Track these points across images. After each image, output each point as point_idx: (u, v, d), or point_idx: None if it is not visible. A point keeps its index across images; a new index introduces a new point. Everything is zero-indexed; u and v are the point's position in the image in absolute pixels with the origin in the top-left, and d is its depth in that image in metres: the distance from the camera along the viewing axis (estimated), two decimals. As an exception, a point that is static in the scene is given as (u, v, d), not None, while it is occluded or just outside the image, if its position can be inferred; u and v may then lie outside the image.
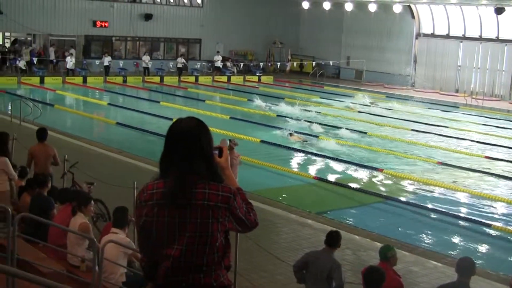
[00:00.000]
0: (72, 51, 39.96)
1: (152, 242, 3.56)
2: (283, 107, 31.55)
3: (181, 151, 3.56)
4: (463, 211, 15.92)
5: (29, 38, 42.11)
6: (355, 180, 18.57)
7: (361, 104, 34.73)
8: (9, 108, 25.22)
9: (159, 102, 32.06)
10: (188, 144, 3.56)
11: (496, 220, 15.38)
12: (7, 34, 41.49)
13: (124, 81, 39.77)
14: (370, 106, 34.45)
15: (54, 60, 40.60)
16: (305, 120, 27.17)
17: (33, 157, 12.50)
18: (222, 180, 3.64)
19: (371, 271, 7.25)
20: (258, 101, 32.46)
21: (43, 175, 10.93)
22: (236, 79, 44.25)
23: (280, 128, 25.22)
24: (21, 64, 37.48)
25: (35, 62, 38.44)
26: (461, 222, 14.92)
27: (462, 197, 17.21)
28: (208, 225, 3.51)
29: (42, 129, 13.14)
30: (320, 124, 26.81)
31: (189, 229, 3.49)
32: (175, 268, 3.51)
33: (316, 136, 24.18)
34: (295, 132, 24.38)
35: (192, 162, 3.54)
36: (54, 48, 40.85)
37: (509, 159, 22.08)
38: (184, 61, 43.47)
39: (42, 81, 36.85)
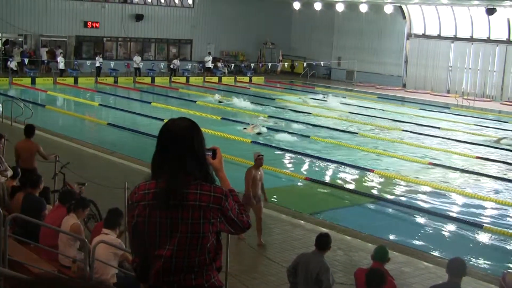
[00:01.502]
0: (60, 51, 40.00)
1: (144, 243, 3.55)
2: (236, 101, 32.98)
3: (173, 152, 3.55)
4: (455, 212, 15.97)
5: (20, 39, 41.95)
6: (346, 180, 18.61)
7: (313, 98, 36.32)
8: (0, 108, 25.11)
9: (150, 103, 32.02)
10: (181, 144, 3.56)
11: (488, 220, 15.44)
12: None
13: (115, 81, 39.71)
14: (324, 101, 35.58)
15: (46, 61, 40.45)
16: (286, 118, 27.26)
17: (19, 153, 12.94)
18: (214, 181, 3.64)
19: (373, 274, 7.28)
20: (216, 96, 34.37)
21: (36, 176, 10.91)
22: (227, 80, 44.26)
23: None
24: (13, 65, 37.38)
25: (26, 63, 38.36)
26: (453, 223, 14.96)
27: (453, 197, 17.25)
28: (200, 226, 3.50)
29: (29, 126, 13.53)
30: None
31: (181, 230, 3.48)
32: (166, 269, 3.51)
33: (308, 136, 24.22)
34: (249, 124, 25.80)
35: (184, 163, 3.54)
36: (46, 49, 40.65)
37: (500, 160, 22.17)
38: (178, 64, 43.44)
39: (33, 82, 36.73)
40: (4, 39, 41.47)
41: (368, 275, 7.30)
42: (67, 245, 8.72)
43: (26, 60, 38.46)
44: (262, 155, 12.70)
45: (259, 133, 24.50)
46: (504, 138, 26.07)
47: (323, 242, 8.35)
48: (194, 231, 3.50)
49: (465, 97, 38.12)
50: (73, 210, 9.03)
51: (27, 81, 36.73)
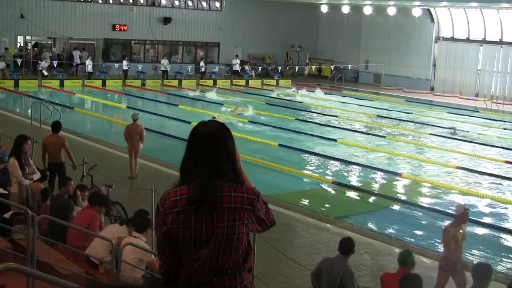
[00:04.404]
0: (87, 53, 40.55)
1: (176, 249, 3.53)
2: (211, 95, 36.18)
3: (207, 154, 3.52)
4: (483, 217, 15.77)
5: (49, 42, 42.45)
6: (373, 184, 18.51)
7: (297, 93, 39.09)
8: (30, 111, 25.41)
9: (177, 105, 32.15)
10: (214, 147, 3.53)
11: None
12: (28, 37, 41.83)
13: (143, 84, 39.98)
14: (295, 94, 38.46)
15: (74, 63, 40.80)
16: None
17: (46, 147, 13.38)
18: (244, 182, 3.62)
19: (408, 279, 7.24)
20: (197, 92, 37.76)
21: (66, 178, 11.03)
22: (254, 83, 44.28)
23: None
24: (44, 67, 37.86)
25: (55, 65, 38.81)
26: (481, 228, 14.78)
27: (481, 202, 17.06)
28: (235, 227, 3.49)
29: (55, 122, 14.10)
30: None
31: (217, 233, 3.46)
32: (200, 272, 3.48)
33: (334, 140, 24.15)
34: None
35: (218, 165, 3.51)
36: (79, 52, 40.95)
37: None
38: (203, 65, 43.71)
39: (62, 84, 37.15)
40: (33, 42, 41.98)
41: (402, 281, 7.24)
42: (104, 246, 8.66)
43: (55, 63, 38.91)
44: (468, 210, 10.00)
45: (239, 114, 28.72)
46: None
47: (346, 246, 8.31)
48: (230, 233, 3.48)
49: (494, 100, 37.68)
50: (128, 225, 9.00)
51: (55, 83, 37.14)
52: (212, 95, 36.09)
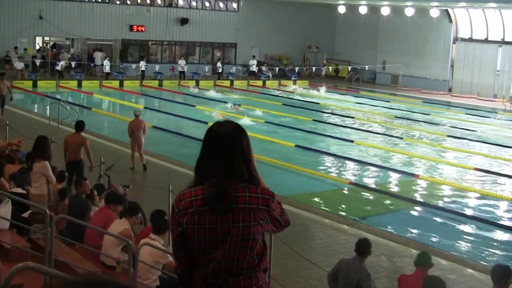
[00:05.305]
0: (105, 54, 40.76)
1: (190, 250, 3.54)
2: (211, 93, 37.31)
3: (222, 155, 3.52)
4: (502, 219, 15.65)
5: (67, 43, 42.75)
6: (390, 185, 18.43)
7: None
8: (48, 111, 25.58)
9: (194, 106, 32.22)
10: (230, 147, 3.53)
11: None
12: (46, 38, 42.18)
13: (160, 85, 40.11)
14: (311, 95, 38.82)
15: (92, 64, 41.03)
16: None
17: (66, 146, 13.71)
18: (259, 183, 3.61)
19: (431, 281, 7.19)
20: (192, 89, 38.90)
21: (81, 178, 11.09)
22: (271, 84, 44.25)
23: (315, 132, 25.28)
24: (61, 67, 38.12)
25: (73, 66, 39.07)
26: (500, 230, 14.66)
27: (500, 204, 16.93)
28: (250, 228, 3.49)
29: (79, 121, 14.50)
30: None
31: (232, 234, 3.46)
32: (215, 272, 3.48)
33: (351, 141, 24.09)
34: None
35: (233, 166, 3.52)
36: (101, 54, 41.10)
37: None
38: (220, 65, 43.83)
39: (79, 85, 37.35)
40: (52, 43, 42.30)
41: (426, 282, 7.18)
42: (113, 245, 8.75)
43: (73, 64, 39.17)
44: None
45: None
46: None
47: (362, 247, 8.28)
48: (245, 233, 3.48)
49: (513, 102, 37.38)
50: (125, 216, 9.08)
51: (73, 84, 37.35)
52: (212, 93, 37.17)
